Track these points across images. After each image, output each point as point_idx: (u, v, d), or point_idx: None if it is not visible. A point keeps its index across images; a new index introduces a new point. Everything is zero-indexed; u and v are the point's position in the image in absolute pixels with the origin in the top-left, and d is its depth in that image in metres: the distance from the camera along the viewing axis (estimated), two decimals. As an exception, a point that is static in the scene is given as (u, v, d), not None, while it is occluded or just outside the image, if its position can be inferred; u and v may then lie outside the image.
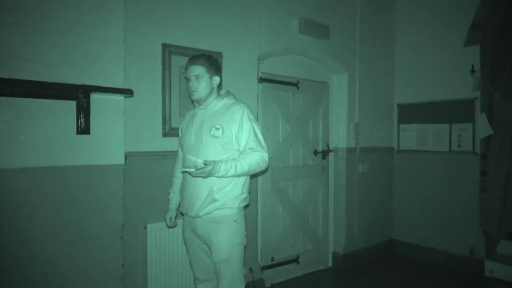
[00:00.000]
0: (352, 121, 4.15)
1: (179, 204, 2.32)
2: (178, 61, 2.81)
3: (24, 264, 2.06)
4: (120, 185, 2.40)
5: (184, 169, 2.07)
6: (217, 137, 2.08)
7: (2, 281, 1.97)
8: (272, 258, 3.61)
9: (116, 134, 2.38)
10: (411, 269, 4.08)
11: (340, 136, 4.15)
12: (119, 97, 2.37)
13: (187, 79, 2.16)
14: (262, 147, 2.12)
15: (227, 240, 2.08)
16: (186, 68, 2.16)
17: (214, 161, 1.99)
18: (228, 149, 2.09)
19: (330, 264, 4.15)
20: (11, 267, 2.01)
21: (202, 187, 2.08)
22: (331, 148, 4.15)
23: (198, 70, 2.11)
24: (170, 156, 2.71)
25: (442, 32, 4.21)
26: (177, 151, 2.47)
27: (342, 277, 3.92)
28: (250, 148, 2.09)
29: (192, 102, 2.28)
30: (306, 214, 3.95)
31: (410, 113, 4.52)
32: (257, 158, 2.08)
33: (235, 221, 2.11)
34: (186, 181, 2.19)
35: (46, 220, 2.13)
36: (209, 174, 1.99)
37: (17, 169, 2.04)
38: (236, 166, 2.03)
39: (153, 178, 2.71)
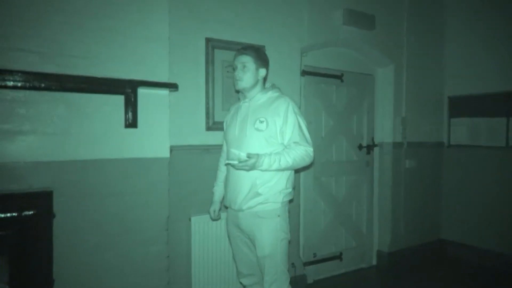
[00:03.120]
0: (398, 114, 3.98)
1: (223, 197, 2.32)
2: (221, 55, 2.82)
3: (75, 251, 2.15)
4: (165, 178, 2.44)
5: (227, 161, 2.06)
6: (261, 130, 2.05)
7: (58, 268, 2.06)
8: (315, 254, 3.55)
9: (162, 127, 2.41)
10: (462, 271, 3.86)
11: (386, 130, 3.99)
12: (165, 91, 2.41)
13: (234, 69, 2.15)
14: (307, 141, 2.07)
15: (270, 235, 2.05)
16: (234, 58, 2.14)
17: (257, 154, 1.96)
18: (272, 142, 2.06)
19: (374, 262, 4.03)
20: (65, 253, 2.10)
21: (245, 181, 2.07)
22: (376, 142, 4.00)
23: (245, 59, 2.09)
24: (213, 150, 2.72)
25: (497, 19, 3.93)
26: (220, 145, 2.48)
27: (387, 277, 3.78)
28: (294, 142, 2.04)
29: (237, 93, 2.26)
30: (349, 211, 3.85)
31: (462, 106, 4.27)
32: (301, 152, 2.03)
33: (278, 216, 2.08)
34: (229, 174, 2.18)
35: (95, 211, 2.21)
36: (252, 167, 1.96)
37: (68, 161, 2.12)
38: (280, 160, 1.99)
39: (196, 171, 2.73)
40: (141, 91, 2.29)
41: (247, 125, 2.10)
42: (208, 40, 2.77)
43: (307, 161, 2.08)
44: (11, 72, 1.88)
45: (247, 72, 2.09)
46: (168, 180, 2.45)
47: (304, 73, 3.42)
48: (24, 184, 2.00)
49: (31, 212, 1.97)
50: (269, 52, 3.00)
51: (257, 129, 2.06)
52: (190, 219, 2.68)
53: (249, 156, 1.96)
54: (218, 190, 2.37)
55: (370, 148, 3.95)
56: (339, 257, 3.73)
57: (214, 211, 2.38)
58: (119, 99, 2.24)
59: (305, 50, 3.37)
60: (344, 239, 3.80)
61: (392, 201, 3.96)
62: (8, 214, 1.93)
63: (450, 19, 4.35)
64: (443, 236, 4.41)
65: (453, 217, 4.32)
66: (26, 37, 2.00)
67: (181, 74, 2.64)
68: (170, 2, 2.46)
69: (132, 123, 2.27)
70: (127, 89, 2.22)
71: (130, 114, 2.26)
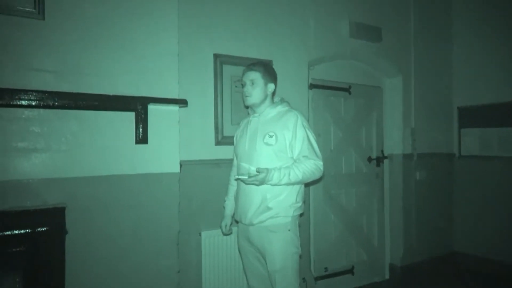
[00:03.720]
0: (408, 126, 3.97)
1: (234, 211, 2.32)
2: (229, 71, 2.86)
3: (87, 265, 2.16)
4: (176, 193, 2.45)
5: (237, 177, 2.08)
6: (270, 145, 2.06)
7: (70, 279, 2.08)
8: (326, 268, 3.51)
9: (172, 143, 2.44)
10: (477, 284, 3.78)
11: (395, 141, 3.98)
12: (174, 107, 2.44)
13: (243, 85, 2.17)
14: (317, 155, 2.08)
15: (281, 249, 2.05)
16: (243, 74, 2.17)
17: (267, 169, 1.97)
18: (282, 157, 2.07)
19: (387, 276, 3.96)
20: (78, 267, 2.12)
21: (255, 195, 2.07)
22: (386, 154, 3.98)
23: (254, 75, 2.12)
24: (223, 164, 2.74)
25: (506, 28, 3.92)
26: (229, 159, 2.49)
27: (400, 291, 3.72)
28: (304, 156, 2.05)
29: (247, 108, 2.29)
30: (360, 223, 3.82)
31: (472, 116, 4.25)
32: (311, 166, 2.04)
33: (289, 230, 2.07)
34: (240, 189, 2.19)
35: (106, 225, 2.22)
36: (262, 182, 1.97)
37: (80, 177, 2.16)
38: (289, 174, 1.99)
39: (206, 186, 2.75)
40: (152, 108, 2.32)
41: (256, 140, 2.11)
42: (216, 56, 2.82)
43: (317, 175, 2.08)
44: (26, 91, 1.93)
45: (256, 87, 2.12)
46: (178, 194, 2.47)
47: (311, 86, 3.44)
48: (37, 201, 2.04)
49: (44, 229, 2.00)
50: (276, 66, 3.05)
51: (267, 144, 2.07)
52: (200, 234, 2.68)
53: (258, 170, 1.97)
54: (229, 205, 2.37)
55: (379, 160, 3.94)
56: (350, 271, 3.68)
57: (226, 226, 2.37)
58: (130, 116, 2.28)
59: (312, 64, 3.39)
60: (355, 252, 3.76)
61: (404, 213, 3.92)
62: (22, 231, 1.96)
63: (458, 28, 4.37)
64: (456, 248, 4.34)
65: (466, 229, 4.26)
66: (40, 57, 2.06)
67: (190, 90, 2.68)
68: (179, 20, 2.51)
69: (142, 139, 2.30)
70: (138, 106, 2.26)
71: (140, 130, 2.29)
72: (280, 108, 2.16)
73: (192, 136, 2.72)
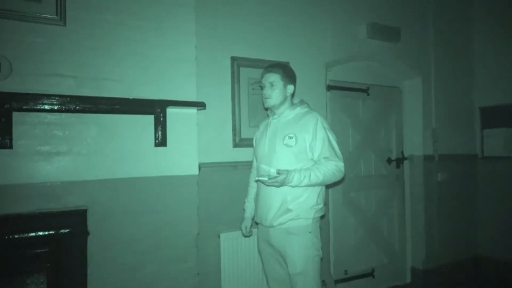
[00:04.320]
0: (428, 127, 3.89)
1: (254, 213, 2.31)
2: (246, 73, 2.86)
3: (108, 266, 2.19)
4: (194, 195, 2.46)
5: (257, 178, 2.07)
6: (290, 146, 2.05)
7: (92, 280, 2.11)
8: (346, 271, 3.46)
9: (190, 145, 2.46)
10: (504, 289, 3.67)
11: (415, 143, 3.91)
12: (193, 110, 2.46)
13: (262, 87, 2.16)
14: (338, 156, 2.05)
15: (302, 252, 2.02)
16: (262, 77, 2.16)
17: (287, 170, 1.95)
18: (301, 158, 2.05)
19: (408, 280, 3.89)
20: (99, 268, 2.15)
21: (275, 197, 2.06)
22: (406, 156, 3.91)
23: (273, 77, 2.10)
24: (241, 167, 2.74)
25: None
26: (247, 162, 2.49)
27: (423, 295, 3.64)
28: (324, 158, 2.03)
29: (266, 110, 2.29)
30: (381, 226, 3.75)
31: (494, 117, 4.13)
32: (332, 167, 2.01)
33: (310, 232, 2.05)
34: (260, 191, 2.18)
35: (126, 228, 2.25)
36: (282, 183, 1.96)
37: (101, 180, 2.19)
38: (310, 176, 1.97)
39: (224, 188, 2.75)
40: (170, 111, 2.34)
41: (276, 141, 2.10)
42: (233, 58, 2.83)
43: (338, 177, 2.05)
44: (48, 96, 1.98)
45: (275, 89, 2.10)
46: (197, 197, 2.48)
47: (329, 87, 3.42)
48: (60, 203, 2.07)
49: (67, 230, 2.04)
50: (293, 68, 3.02)
51: (287, 145, 2.05)
52: (219, 236, 2.68)
53: (279, 172, 1.95)
54: (249, 207, 2.36)
55: (399, 161, 3.87)
56: (371, 274, 3.62)
57: (246, 228, 2.36)
58: (149, 119, 2.31)
59: (329, 65, 3.37)
60: (375, 255, 3.70)
61: (426, 216, 3.83)
62: (46, 232, 2.00)
63: (478, 27, 4.27)
64: (480, 252, 4.21)
65: (490, 232, 4.13)
66: (62, 62, 2.11)
67: (208, 93, 2.69)
68: (197, 23, 2.53)
69: (161, 142, 2.32)
70: (156, 109, 2.28)
71: (159, 133, 2.32)
72: (299, 110, 2.14)
73: (210, 138, 2.73)
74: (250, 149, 2.79)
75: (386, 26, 3.55)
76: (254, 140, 2.37)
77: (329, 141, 2.05)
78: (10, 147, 1.95)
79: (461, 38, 4.23)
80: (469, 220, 4.19)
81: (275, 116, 2.18)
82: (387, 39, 3.56)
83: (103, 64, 2.22)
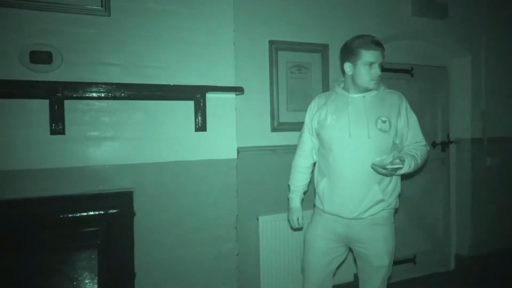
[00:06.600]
0: (477, 108, 3.69)
1: (318, 203, 2.03)
2: (284, 57, 2.85)
3: (152, 246, 2.31)
4: (233, 179, 2.52)
5: (391, 166, 1.77)
6: (385, 131, 1.83)
7: (138, 258, 2.25)
8: (386, 256, 3.42)
9: (229, 130, 2.51)
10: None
11: (463, 125, 3.72)
12: (231, 95, 2.49)
13: (371, 66, 1.83)
14: (426, 140, 1.96)
15: (389, 244, 1.92)
16: (372, 54, 1.81)
17: (405, 157, 1.79)
18: (393, 145, 1.89)
19: (452, 267, 3.77)
20: (144, 247, 2.28)
21: (366, 186, 1.85)
22: (452, 139, 3.75)
23: (382, 57, 1.85)
24: (279, 151, 2.77)
25: None
26: (286, 146, 2.47)
27: (467, 283, 3.52)
28: (416, 142, 1.90)
29: (364, 92, 1.93)
30: (424, 212, 3.65)
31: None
32: (425, 152, 1.90)
33: (393, 222, 1.96)
34: (339, 180, 1.90)
35: (170, 209, 2.36)
36: (392, 173, 1.81)
37: (146, 163, 2.30)
38: (415, 163, 1.81)
39: (262, 172, 2.79)
40: (209, 96, 2.39)
41: (367, 125, 1.84)
42: (271, 42, 2.82)
43: (426, 160, 1.95)
44: (96, 84, 2.08)
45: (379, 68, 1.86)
46: (236, 180, 2.53)
47: (370, 69, 3.31)
48: (109, 185, 2.21)
49: (115, 211, 2.17)
50: (334, 51, 2.99)
51: (381, 130, 1.83)
52: (258, 219, 2.75)
53: (402, 159, 1.78)
54: (300, 195, 2.12)
55: (445, 145, 3.71)
56: (412, 260, 3.56)
57: (298, 219, 2.10)
58: (190, 104, 2.37)
59: (371, 46, 3.25)
60: (418, 241, 3.61)
61: (472, 202, 3.68)
62: (97, 212, 2.14)
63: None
64: (533, 241, 3.99)
65: (545, 219, 3.90)
66: (107, 52, 2.21)
67: (246, 77, 2.71)
68: (235, 8, 2.54)
69: (201, 127, 2.39)
70: (196, 95, 2.34)
71: (199, 118, 2.38)
72: (383, 89, 1.95)
73: (248, 123, 2.76)
74: (289, 133, 2.81)
75: (432, 2, 3.36)
76: (313, 121, 2.01)
77: (418, 124, 1.94)
78: (63, 133, 2.08)
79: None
80: (520, 206, 3.97)
81: (359, 95, 1.90)
82: (433, 15, 3.38)
83: (146, 52, 2.30)
